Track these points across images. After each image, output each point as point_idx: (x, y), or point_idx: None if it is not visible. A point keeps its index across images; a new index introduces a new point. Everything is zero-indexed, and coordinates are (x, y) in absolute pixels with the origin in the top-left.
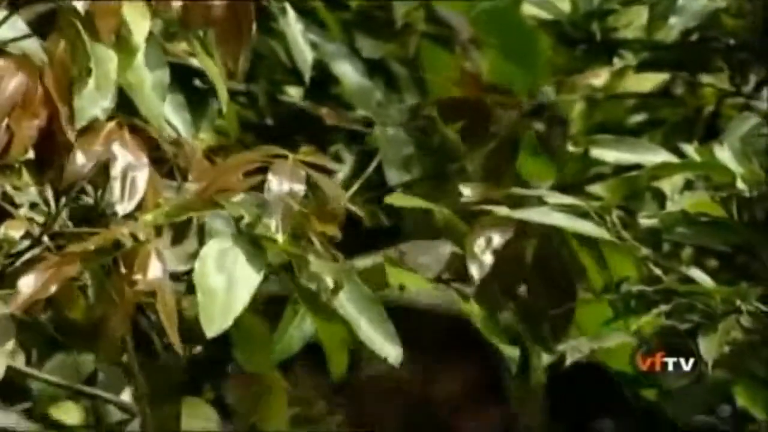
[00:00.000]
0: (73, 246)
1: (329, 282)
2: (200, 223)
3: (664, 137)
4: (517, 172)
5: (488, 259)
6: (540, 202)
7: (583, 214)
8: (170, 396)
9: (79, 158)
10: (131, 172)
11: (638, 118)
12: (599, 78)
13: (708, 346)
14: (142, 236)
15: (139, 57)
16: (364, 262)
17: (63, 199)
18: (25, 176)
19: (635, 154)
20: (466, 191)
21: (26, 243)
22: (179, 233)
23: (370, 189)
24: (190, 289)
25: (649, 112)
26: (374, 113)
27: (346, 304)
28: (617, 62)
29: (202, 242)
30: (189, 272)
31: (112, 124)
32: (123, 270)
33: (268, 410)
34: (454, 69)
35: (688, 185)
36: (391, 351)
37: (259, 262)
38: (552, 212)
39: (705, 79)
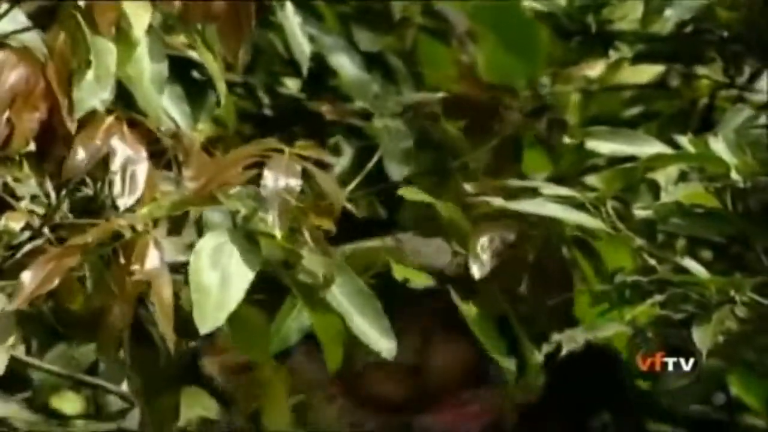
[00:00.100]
0: (73, 238)
1: (320, 276)
2: (197, 215)
3: (659, 129)
4: (520, 170)
5: (490, 259)
6: (536, 193)
7: (579, 205)
8: (169, 386)
9: (80, 153)
10: (131, 166)
11: (633, 109)
12: (595, 70)
13: (702, 336)
14: (140, 227)
15: (139, 50)
16: (355, 246)
17: (63, 192)
18: (26, 168)
19: (630, 146)
20: (469, 188)
21: (27, 234)
22: (176, 224)
23: (369, 181)
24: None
25: (644, 103)
26: (372, 105)
27: (339, 297)
28: (613, 54)
29: (200, 234)
30: (187, 263)
31: (111, 119)
32: (122, 261)
33: (268, 398)
34: (452, 63)
35: (683, 176)
36: (384, 344)
37: (254, 258)
38: (547, 203)
39: (700, 71)
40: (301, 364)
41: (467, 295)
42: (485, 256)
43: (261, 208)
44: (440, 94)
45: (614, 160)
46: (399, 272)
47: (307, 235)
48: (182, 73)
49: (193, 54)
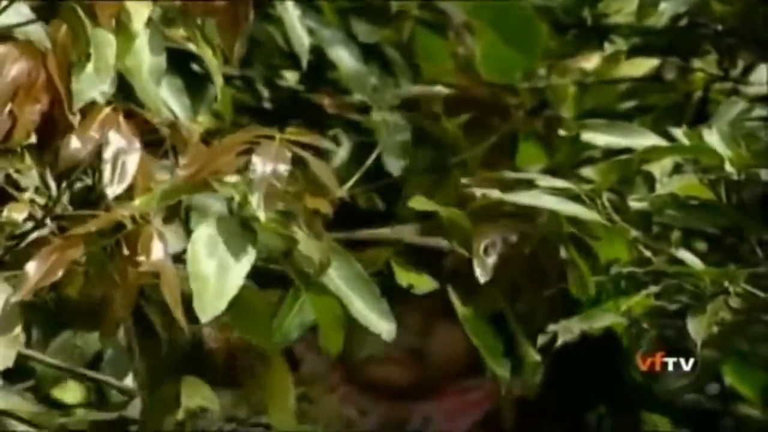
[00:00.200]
0: (75, 229)
1: (315, 260)
2: (187, 205)
3: (654, 121)
4: (515, 163)
5: (492, 261)
6: (532, 185)
7: (575, 197)
8: (170, 375)
9: (74, 143)
10: (122, 156)
11: (629, 102)
12: (590, 63)
13: (697, 327)
14: (141, 218)
15: (138, 42)
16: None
17: (64, 183)
18: (28, 160)
19: (626, 138)
20: (466, 181)
21: (29, 225)
22: (171, 213)
23: (367, 173)
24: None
25: (640, 96)
26: (370, 97)
27: (337, 281)
28: (608, 48)
29: (188, 222)
30: (185, 252)
31: (107, 110)
32: (125, 251)
33: (272, 387)
34: (449, 55)
35: (678, 168)
36: (384, 326)
37: (250, 244)
38: (544, 195)
39: (694, 64)
40: (302, 355)
41: (466, 292)
42: (488, 259)
43: (249, 192)
44: (438, 87)
45: (610, 153)
46: (401, 276)
47: (303, 218)
48: (182, 65)
49: (192, 47)
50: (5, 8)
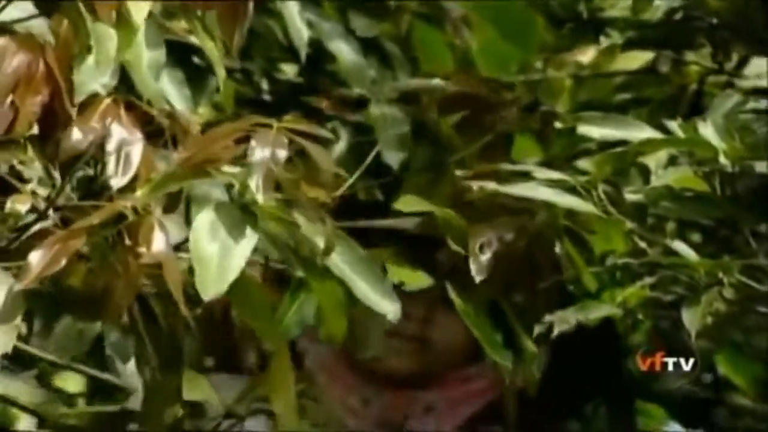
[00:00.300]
0: (78, 220)
1: (320, 243)
2: (187, 195)
3: (649, 114)
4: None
5: (488, 258)
6: (528, 177)
7: (571, 189)
8: (172, 367)
9: (75, 134)
10: (126, 147)
11: (624, 95)
12: (586, 56)
13: (691, 317)
14: (143, 209)
15: (138, 36)
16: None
17: (66, 174)
18: (30, 151)
19: (621, 131)
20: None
21: (32, 217)
22: (172, 203)
23: (367, 168)
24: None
25: (635, 89)
26: (369, 90)
27: (341, 264)
28: (604, 41)
29: (188, 210)
30: (185, 241)
31: (108, 102)
32: (127, 242)
33: (275, 378)
34: (446, 48)
35: (673, 161)
36: (388, 306)
37: (250, 228)
38: (540, 187)
39: (689, 57)
40: (304, 347)
41: (463, 287)
42: (484, 258)
43: (249, 176)
44: (436, 81)
45: (605, 145)
46: (394, 273)
47: (305, 204)
48: (183, 58)
49: (193, 39)
50: (7, 4)
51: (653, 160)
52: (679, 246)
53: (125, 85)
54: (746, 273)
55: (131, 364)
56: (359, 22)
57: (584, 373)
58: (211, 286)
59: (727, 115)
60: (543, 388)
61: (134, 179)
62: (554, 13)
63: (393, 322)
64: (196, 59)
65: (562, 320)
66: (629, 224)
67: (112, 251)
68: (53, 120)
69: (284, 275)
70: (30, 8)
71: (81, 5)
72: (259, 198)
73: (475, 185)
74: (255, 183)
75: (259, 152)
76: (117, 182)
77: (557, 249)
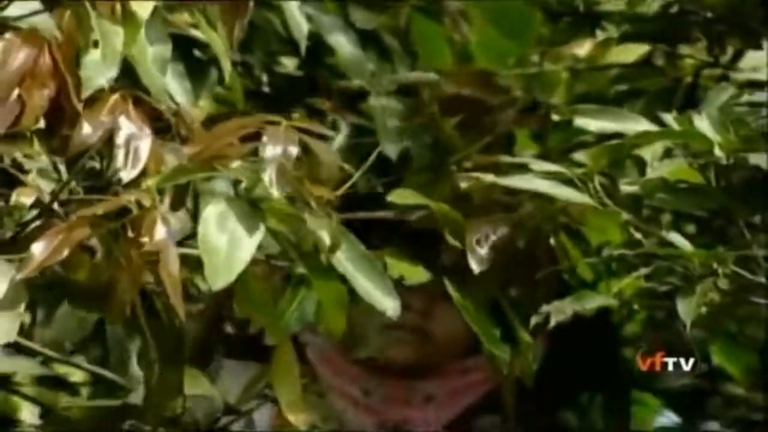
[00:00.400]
0: (82, 212)
1: (326, 239)
2: (195, 188)
3: (644, 107)
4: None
5: (486, 253)
6: (525, 169)
7: (567, 181)
8: (173, 363)
9: (85, 128)
10: (134, 141)
11: (620, 88)
12: (583, 49)
13: (686, 308)
14: (147, 202)
15: (142, 31)
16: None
17: (72, 168)
18: (36, 145)
19: (617, 123)
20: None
21: (36, 210)
22: (179, 198)
23: (365, 158)
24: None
25: (631, 82)
26: (368, 83)
27: (343, 261)
28: (600, 34)
29: (196, 204)
30: (190, 237)
31: (116, 96)
32: (130, 234)
33: (279, 373)
34: (445, 43)
35: (668, 153)
36: (389, 303)
37: (258, 221)
38: (536, 179)
39: (684, 50)
40: (305, 338)
41: (461, 281)
42: (482, 251)
43: (260, 172)
44: (433, 74)
45: (601, 137)
46: (393, 268)
47: (311, 201)
48: (185, 51)
49: (195, 33)
50: (12, 1)
51: (649, 153)
52: (674, 237)
53: (129, 80)
54: (740, 264)
55: (133, 359)
56: (358, 15)
57: (580, 364)
58: (220, 277)
59: (722, 107)
60: (540, 379)
61: (143, 173)
62: (551, 7)
63: (392, 319)
64: (197, 52)
65: (559, 310)
66: (625, 216)
67: (116, 244)
68: (60, 114)
69: (286, 271)
70: (35, 5)
71: (86, 2)
72: (274, 193)
73: (472, 178)
74: (268, 178)
75: (270, 149)
76: (126, 175)
77: (552, 241)
